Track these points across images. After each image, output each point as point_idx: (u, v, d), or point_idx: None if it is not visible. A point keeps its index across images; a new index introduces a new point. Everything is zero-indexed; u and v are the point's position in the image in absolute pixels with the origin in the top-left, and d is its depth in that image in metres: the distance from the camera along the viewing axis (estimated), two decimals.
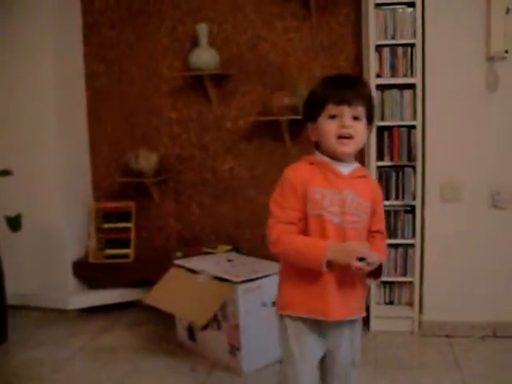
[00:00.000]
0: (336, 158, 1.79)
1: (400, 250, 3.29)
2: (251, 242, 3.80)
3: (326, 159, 1.79)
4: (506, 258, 3.18)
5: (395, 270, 3.32)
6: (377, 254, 1.72)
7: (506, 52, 3.04)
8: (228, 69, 3.72)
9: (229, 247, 3.67)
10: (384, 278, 3.26)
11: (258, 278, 2.91)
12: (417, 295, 3.30)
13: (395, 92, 3.19)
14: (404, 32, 3.16)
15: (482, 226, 3.17)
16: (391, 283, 3.38)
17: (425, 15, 3.11)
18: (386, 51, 3.18)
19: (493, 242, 3.17)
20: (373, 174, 3.19)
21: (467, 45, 3.09)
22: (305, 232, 1.77)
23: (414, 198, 3.22)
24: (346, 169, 1.80)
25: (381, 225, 1.91)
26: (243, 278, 2.87)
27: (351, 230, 1.76)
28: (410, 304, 3.35)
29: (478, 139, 3.13)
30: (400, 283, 3.37)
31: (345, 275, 1.76)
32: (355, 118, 1.74)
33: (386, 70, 3.19)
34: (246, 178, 3.84)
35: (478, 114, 3.12)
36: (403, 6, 3.16)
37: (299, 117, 3.54)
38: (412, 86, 3.17)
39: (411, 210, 3.25)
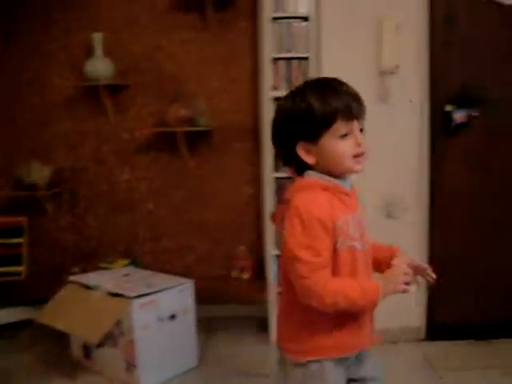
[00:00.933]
0: (340, 176, 1.59)
1: None
2: (150, 255, 3.74)
3: (334, 181, 1.58)
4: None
5: None
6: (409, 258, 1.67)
7: (397, 67, 3.16)
8: (124, 79, 3.65)
9: (126, 261, 3.59)
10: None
11: (153, 292, 2.85)
12: None
13: None
14: (299, 45, 3.21)
15: (376, 236, 3.24)
16: None
17: (320, 29, 3.18)
18: (282, 64, 3.22)
19: None
20: (268, 185, 3.23)
21: (360, 60, 3.17)
22: (333, 269, 1.55)
23: None
24: (347, 185, 1.61)
25: None
26: (138, 293, 2.81)
27: (368, 251, 1.63)
28: None
29: (371, 150, 3.20)
30: None
31: None
32: (361, 131, 1.58)
33: (282, 82, 3.22)
34: (143, 191, 3.77)
35: (370, 126, 3.15)
36: (298, 20, 3.21)
37: (196, 128, 3.54)
38: None
39: None
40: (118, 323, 2.82)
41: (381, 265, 1.67)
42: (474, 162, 3.28)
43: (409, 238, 3.25)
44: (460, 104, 3.20)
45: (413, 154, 3.22)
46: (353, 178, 1.61)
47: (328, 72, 3.17)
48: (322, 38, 3.17)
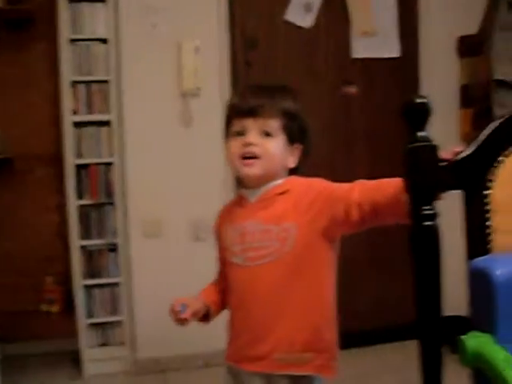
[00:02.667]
0: (246, 184, 1.50)
1: (107, 290, 3.20)
2: None
3: (240, 190, 1.54)
4: None
5: (105, 310, 3.22)
6: None
7: (198, 89, 3.15)
8: None
9: None
10: (94, 320, 3.19)
11: None
12: (128, 334, 3.24)
13: (92, 129, 3.11)
14: (99, 68, 3.11)
15: (187, 259, 3.22)
16: (103, 324, 3.27)
17: (120, 52, 3.10)
18: (82, 87, 3.10)
19: (198, 274, 3.21)
20: (73, 213, 3.09)
21: (162, 81, 3.14)
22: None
23: (116, 236, 3.17)
24: (254, 194, 1.49)
25: (349, 187, 1.40)
26: None
27: (260, 266, 1.44)
28: (123, 343, 3.28)
29: (176, 173, 3.18)
30: (111, 323, 3.27)
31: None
32: (266, 134, 1.43)
33: (82, 106, 3.10)
34: None
35: (175, 148, 3.18)
36: (97, 42, 3.11)
37: None
38: (109, 123, 3.12)
39: (114, 248, 3.19)
40: None
41: (388, 207, 1.31)
42: None
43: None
44: None
45: (218, 176, 3.21)
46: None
47: (129, 95, 3.11)
48: (123, 61, 3.11)
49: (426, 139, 1.05)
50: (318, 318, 1.47)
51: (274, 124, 1.43)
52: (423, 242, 1.06)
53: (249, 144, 1.42)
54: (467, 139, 3.35)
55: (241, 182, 1.51)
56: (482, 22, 3.40)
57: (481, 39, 3.41)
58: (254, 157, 1.42)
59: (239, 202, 1.52)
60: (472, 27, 3.44)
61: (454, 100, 3.52)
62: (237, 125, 1.44)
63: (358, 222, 1.36)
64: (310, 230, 1.42)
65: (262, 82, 1.57)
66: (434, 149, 1.05)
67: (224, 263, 1.56)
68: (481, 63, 3.41)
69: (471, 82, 3.48)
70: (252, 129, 1.42)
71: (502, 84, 3.21)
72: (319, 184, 1.46)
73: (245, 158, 1.43)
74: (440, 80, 3.40)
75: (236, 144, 1.44)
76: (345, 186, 1.42)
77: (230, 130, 1.46)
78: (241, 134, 1.43)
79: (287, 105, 1.47)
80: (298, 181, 1.50)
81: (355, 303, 3.22)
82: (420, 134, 1.05)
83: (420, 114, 1.06)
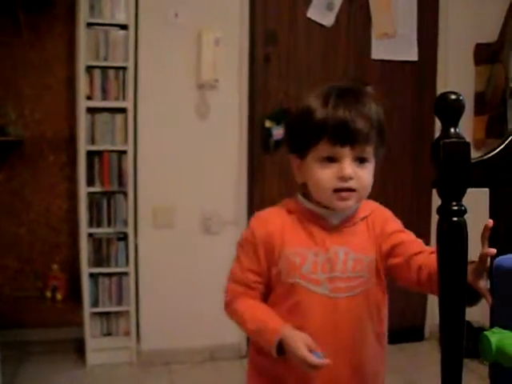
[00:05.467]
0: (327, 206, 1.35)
1: (114, 279, 3.16)
2: None
3: (311, 207, 1.36)
4: (220, 283, 3.23)
5: (110, 300, 3.19)
6: None
7: (216, 81, 3.13)
8: None
9: None
10: (99, 309, 3.15)
11: None
12: (133, 324, 3.21)
13: (106, 116, 3.07)
14: (116, 54, 3.07)
15: (196, 252, 3.19)
16: (107, 313, 3.22)
17: (138, 39, 3.07)
18: (98, 73, 3.06)
19: (207, 268, 3.21)
20: (82, 200, 3.06)
21: (179, 72, 3.11)
22: (272, 300, 1.38)
23: (127, 225, 3.13)
24: (337, 217, 1.35)
25: (416, 244, 1.33)
26: None
27: (348, 298, 1.32)
28: (128, 334, 3.25)
29: (190, 165, 3.16)
30: (116, 313, 3.23)
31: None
32: (361, 161, 1.28)
33: (97, 92, 3.06)
34: None
35: (189, 139, 3.15)
36: (116, 28, 3.07)
37: (5, 138, 3.29)
38: (124, 110, 3.09)
39: (124, 237, 3.15)
40: None
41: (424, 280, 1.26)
42: (293, 178, 3.32)
43: (227, 254, 3.21)
44: (279, 120, 3.25)
45: (232, 170, 3.20)
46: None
47: (146, 83, 3.08)
48: (141, 49, 3.08)
49: (458, 136, 1.04)
50: (381, 365, 1.42)
51: (370, 149, 1.30)
52: (451, 238, 1.04)
53: (347, 178, 1.27)
54: (481, 146, 3.36)
55: (312, 199, 1.36)
56: (501, 31, 3.40)
57: (498, 47, 3.41)
58: (350, 190, 1.28)
59: (311, 219, 1.36)
60: (490, 35, 3.44)
61: (469, 106, 3.52)
62: (328, 150, 1.27)
63: (413, 281, 1.28)
64: (382, 264, 1.36)
65: (341, 86, 1.33)
66: (466, 145, 1.04)
67: (278, 284, 1.37)
68: (497, 71, 3.41)
69: (486, 90, 3.48)
70: (347, 156, 1.26)
71: None
72: (390, 220, 1.38)
73: (338, 190, 1.28)
74: (456, 86, 3.38)
75: (329, 175, 1.27)
76: (414, 241, 1.34)
77: (315, 152, 1.29)
78: (332, 160, 1.27)
79: (382, 121, 1.32)
80: (378, 209, 1.41)
81: None
82: (453, 130, 1.04)
83: (453, 111, 1.05)
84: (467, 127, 3.41)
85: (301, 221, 1.36)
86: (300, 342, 1.23)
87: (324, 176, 1.27)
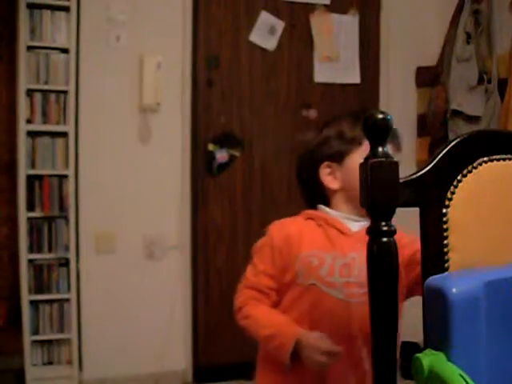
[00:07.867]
0: (355, 212, 1.39)
1: (55, 306, 3.09)
2: None
3: (333, 213, 1.41)
4: (164, 309, 3.20)
5: (51, 327, 3.12)
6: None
7: (158, 104, 3.13)
8: None
9: None
10: (40, 337, 3.07)
11: None
12: (75, 352, 3.13)
13: (47, 139, 3.04)
14: (57, 78, 3.05)
15: (139, 278, 3.16)
16: (49, 341, 3.15)
17: (79, 63, 3.05)
18: (38, 96, 3.03)
19: (150, 294, 3.17)
20: (22, 225, 2.99)
21: (121, 95, 3.12)
22: (287, 305, 1.38)
23: (68, 251, 3.08)
24: (357, 224, 1.39)
25: None
26: None
27: (361, 304, 1.29)
28: (70, 362, 3.18)
29: (132, 190, 3.14)
30: (58, 341, 3.15)
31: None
32: None
33: (38, 115, 3.03)
34: None
35: (131, 164, 3.13)
36: (57, 51, 3.05)
37: None
38: (65, 134, 3.05)
39: (65, 263, 3.09)
40: None
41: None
42: (236, 201, 3.33)
43: (171, 280, 3.20)
44: (222, 144, 3.25)
45: (175, 194, 3.20)
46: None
47: (87, 107, 3.06)
48: (82, 72, 3.07)
49: (386, 155, 1.05)
50: None
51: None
52: (381, 258, 1.05)
53: None
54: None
55: (355, 201, 1.31)
56: (440, 54, 3.48)
57: (438, 70, 3.49)
58: None
59: (329, 223, 1.40)
60: (430, 59, 3.53)
61: (412, 128, 3.59)
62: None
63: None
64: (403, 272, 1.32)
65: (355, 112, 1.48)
66: (394, 164, 1.05)
67: (292, 287, 1.39)
68: (438, 93, 3.48)
69: (428, 111, 3.54)
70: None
71: (458, 114, 3.28)
72: (410, 236, 1.34)
73: None
74: (398, 108, 3.45)
75: None
76: None
77: (365, 150, 1.23)
78: None
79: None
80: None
81: None
82: (380, 149, 1.05)
83: (381, 130, 1.05)
84: (411, 148, 3.46)
85: (320, 225, 1.41)
86: (317, 338, 1.29)
87: None
